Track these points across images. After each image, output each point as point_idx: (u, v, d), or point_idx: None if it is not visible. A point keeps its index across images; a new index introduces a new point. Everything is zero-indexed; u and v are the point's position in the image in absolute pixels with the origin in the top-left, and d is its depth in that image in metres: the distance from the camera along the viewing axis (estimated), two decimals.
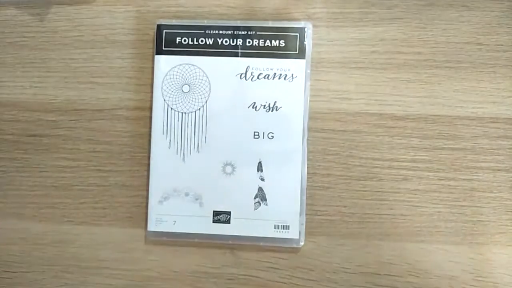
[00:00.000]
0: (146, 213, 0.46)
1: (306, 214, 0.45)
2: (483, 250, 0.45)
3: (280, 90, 0.46)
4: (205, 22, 0.47)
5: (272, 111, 0.46)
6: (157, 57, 0.47)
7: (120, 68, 0.48)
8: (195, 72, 0.46)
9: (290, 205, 0.45)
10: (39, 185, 0.48)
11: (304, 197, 0.45)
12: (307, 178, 0.46)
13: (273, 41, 0.46)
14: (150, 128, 0.47)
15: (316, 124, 0.46)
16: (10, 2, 0.49)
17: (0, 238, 0.48)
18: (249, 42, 0.46)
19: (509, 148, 0.45)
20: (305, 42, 0.46)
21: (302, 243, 0.45)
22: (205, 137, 0.46)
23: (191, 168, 0.46)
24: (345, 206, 0.46)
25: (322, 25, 0.47)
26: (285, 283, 0.46)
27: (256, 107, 0.46)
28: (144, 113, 0.47)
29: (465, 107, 0.46)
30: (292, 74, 0.46)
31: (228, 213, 0.45)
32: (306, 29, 0.46)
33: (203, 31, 0.46)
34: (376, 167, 0.46)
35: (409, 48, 0.46)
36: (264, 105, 0.46)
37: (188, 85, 0.46)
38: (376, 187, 0.46)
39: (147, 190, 0.46)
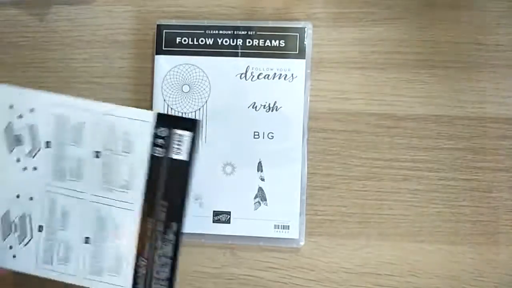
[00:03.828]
0: None
1: (306, 214, 0.45)
2: (483, 250, 0.45)
3: (280, 90, 0.46)
4: (205, 22, 0.47)
5: (272, 111, 0.46)
6: (157, 57, 0.47)
7: (120, 68, 0.48)
8: (195, 72, 0.46)
9: (290, 205, 0.45)
10: None
11: (304, 197, 0.45)
12: (307, 178, 0.46)
13: (273, 41, 0.46)
14: None
15: (316, 124, 0.46)
16: (10, 2, 0.49)
17: None
18: (249, 42, 0.46)
19: (509, 148, 0.45)
20: (305, 42, 0.46)
21: (302, 243, 0.45)
22: (205, 137, 0.46)
23: None
24: (345, 206, 0.46)
25: (322, 25, 0.47)
26: (285, 283, 0.46)
27: (256, 107, 0.46)
28: None
29: (465, 107, 0.46)
30: (292, 74, 0.46)
31: (228, 213, 0.45)
32: (306, 29, 0.46)
33: (203, 31, 0.46)
34: (376, 167, 0.46)
35: (409, 48, 0.46)
36: (264, 105, 0.46)
37: (188, 85, 0.46)
38: (376, 187, 0.46)
39: None
